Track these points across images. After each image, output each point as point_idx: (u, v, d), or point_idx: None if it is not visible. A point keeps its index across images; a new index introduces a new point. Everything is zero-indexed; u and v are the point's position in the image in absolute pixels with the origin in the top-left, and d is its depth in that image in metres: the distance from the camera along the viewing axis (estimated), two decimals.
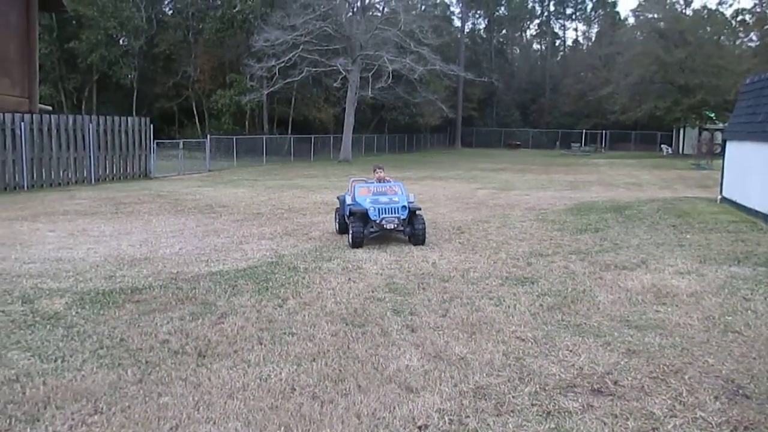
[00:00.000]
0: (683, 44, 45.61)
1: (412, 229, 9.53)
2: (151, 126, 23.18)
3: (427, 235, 9.72)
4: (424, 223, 9.58)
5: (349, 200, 10.04)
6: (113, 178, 21.15)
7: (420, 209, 9.86)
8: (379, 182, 10.44)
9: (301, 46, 33.82)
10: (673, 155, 48.36)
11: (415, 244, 9.44)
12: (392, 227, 9.37)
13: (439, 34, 41.81)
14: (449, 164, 34.48)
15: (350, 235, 9.33)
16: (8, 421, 3.79)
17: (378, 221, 9.33)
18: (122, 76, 40.76)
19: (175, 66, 41.71)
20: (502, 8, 75.81)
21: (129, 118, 22.56)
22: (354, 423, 3.80)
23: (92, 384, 4.34)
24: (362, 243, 9.26)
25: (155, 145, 23.64)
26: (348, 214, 9.93)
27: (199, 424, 3.78)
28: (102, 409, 3.97)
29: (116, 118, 21.61)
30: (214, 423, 3.80)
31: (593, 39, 77.07)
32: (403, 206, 9.50)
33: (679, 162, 37.76)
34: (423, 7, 51.23)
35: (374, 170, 10.75)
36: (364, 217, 9.41)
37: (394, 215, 9.38)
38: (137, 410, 3.95)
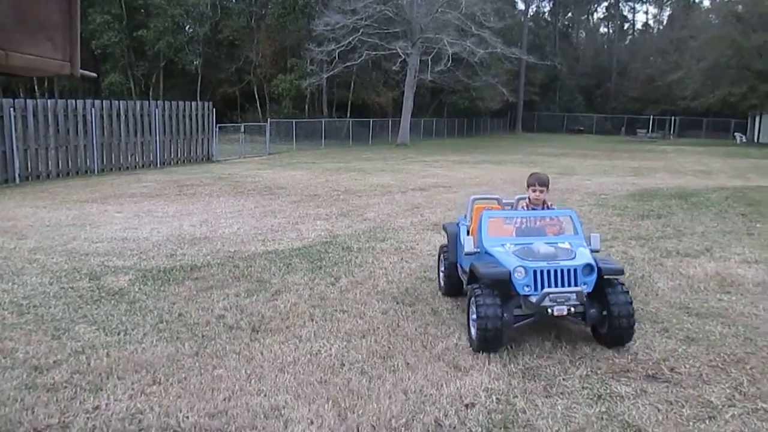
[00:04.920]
0: (762, 28, 43.35)
1: (601, 313, 4.63)
2: (214, 110, 23.67)
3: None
4: (630, 304, 4.59)
5: (467, 242, 5.13)
6: (177, 162, 21.73)
7: (621, 271, 4.84)
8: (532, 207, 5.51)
9: (361, 30, 33.82)
10: (747, 144, 46.25)
11: (609, 346, 4.65)
12: (564, 313, 4.50)
13: (501, 16, 41.02)
14: (509, 148, 34.00)
15: (475, 327, 4.57)
16: (74, 390, 3.98)
17: (535, 300, 4.51)
18: (187, 63, 41.70)
19: (238, 52, 42.34)
20: None
21: (193, 103, 23.10)
22: (401, 399, 3.83)
23: (152, 356, 4.50)
24: (500, 342, 4.53)
25: (218, 129, 24.16)
26: (467, 271, 5.25)
27: (251, 395, 3.88)
28: (160, 379, 4.12)
29: (181, 103, 22.16)
30: (265, 395, 3.89)
31: (664, 22, 74.38)
32: (586, 266, 4.60)
33: (754, 150, 36.14)
34: None
35: (529, 186, 5.52)
36: (503, 287, 4.63)
37: (567, 290, 4.49)
38: (193, 381, 4.08)
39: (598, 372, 4.25)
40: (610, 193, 14.23)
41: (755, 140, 47.66)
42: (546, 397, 3.89)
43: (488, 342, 4.45)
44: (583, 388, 4.01)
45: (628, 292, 4.67)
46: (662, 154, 31.63)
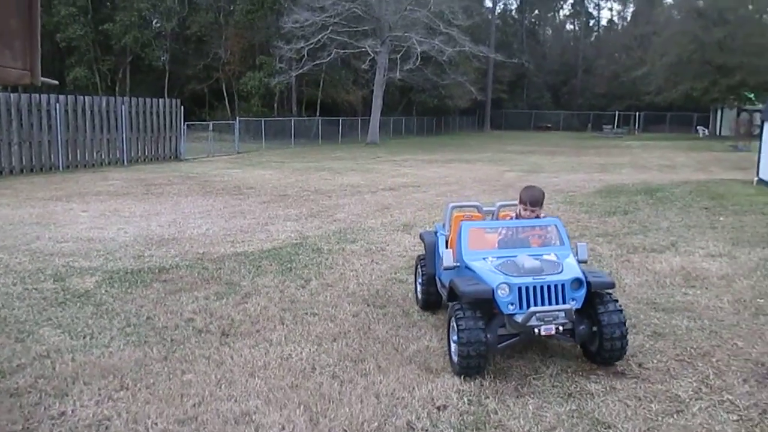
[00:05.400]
0: (722, 23, 44.31)
1: (590, 329, 4.32)
2: (182, 108, 23.38)
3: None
4: (623, 323, 4.26)
5: (446, 256, 4.69)
6: (145, 160, 21.41)
7: (612, 284, 4.47)
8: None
9: (330, 28, 33.72)
10: (709, 137, 47.23)
11: (599, 364, 4.37)
12: (552, 333, 4.13)
13: (469, 14, 41.21)
14: (477, 147, 34.19)
15: (456, 351, 4.23)
16: (39, 395, 3.89)
17: (520, 320, 4.12)
18: (155, 58, 41.13)
19: (206, 48, 41.87)
20: None
21: (160, 100, 22.78)
22: (373, 403, 3.81)
23: (119, 361, 4.42)
24: (483, 367, 4.20)
25: (186, 126, 23.86)
26: (446, 287, 4.79)
27: (221, 401, 3.83)
28: (128, 385, 4.05)
29: (148, 100, 21.84)
30: (236, 400, 3.84)
31: (628, 19, 75.46)
32: (574, 281, 4.22)
33: (716, 144, 36.92)
34: None
35: (521, 202, 5.06)
36: (485, 306, 4.28)
37: (555, 308, 4.11)
38: (161, 387, 4.02)
39: (568, 370, 4.29)
40: (577, 190, 14.41)
41: (717, 133, 48.71)
42: (517, 396, 3.91)
43: (471, 368, 4.13)
44: (553, 386, 4.05)
45: (621, 310, 4.31)
46: (628, 150, 32.12)
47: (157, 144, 22.11)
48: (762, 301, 5.78)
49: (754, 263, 7.18)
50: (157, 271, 6.90)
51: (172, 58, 42.38)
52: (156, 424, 3.55)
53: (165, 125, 22.36)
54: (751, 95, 42.73)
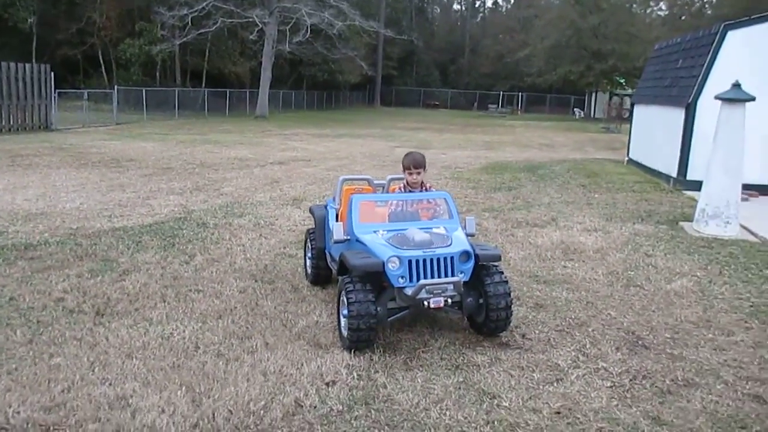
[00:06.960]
0: (597, 10, 46.78)
1: (477, 301, 4.39)
2: (52, 74, 21.68)
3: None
4: (509, 294, 4.36)
5: (337, 229, 4.61)
6: (9, 129, 19.74)
7: (498, 257, 4.50)
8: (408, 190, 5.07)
9: None
10: (584, 119, 49.94)
11: (485, 335, 4.46)
12: (441, 305, 4.15)
13: None
14: (368, 122, 34.27)
15: (346, 325, 4.16)
16: None
17: (410, 293, 4.12)
18: (20, 20, 37.79)
19: (79, 11, 39.01)
20: None
21: (27, 65, 21.01)
22: (260, 381, 3.68)
23: None
24: (373, 341, 4.18)
25: (57, 94, 22.18)
26: (336, 261, 4.65)
27: (94, 385, 3.57)
28: None
29: (12, 65, 20.06)
30: (110, 384, 3.59)
31: (512, 1, 77.88)
32: (462, 254, 4.25)
33: (591, 125, 39.05)
34: None
35: (405, 168, 5.05)
36: (376, 279, 4.26)
37: (444, 280, 4.14)
38: (25, 372, 3.70)
39: (456, 342, 4.34)
40: (464, 166, 14.75)
41: (591, 115, 51.61)
42: (406, 370, 3.91)
43: (361, 342, 4.07)
44: (441, 359, 4.08)
45: (507, 281, 4.39)
46: (511, 129, 33.32)
47: (24, 112, 20.43)
48: (632, 273, 6.14)
49: (625, 237, 7.62)
50: (22, 248, 6.36)
51: (40, 20, 39.14)
52: (18, 413, 3.25)
53: (33, 92, 20.68)
54: (622, 80, 45.64)
